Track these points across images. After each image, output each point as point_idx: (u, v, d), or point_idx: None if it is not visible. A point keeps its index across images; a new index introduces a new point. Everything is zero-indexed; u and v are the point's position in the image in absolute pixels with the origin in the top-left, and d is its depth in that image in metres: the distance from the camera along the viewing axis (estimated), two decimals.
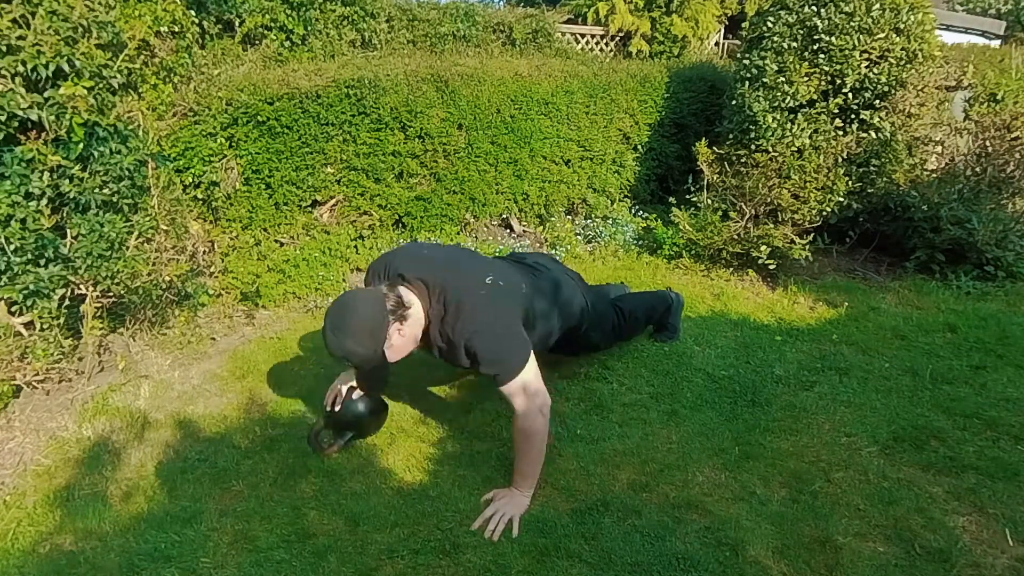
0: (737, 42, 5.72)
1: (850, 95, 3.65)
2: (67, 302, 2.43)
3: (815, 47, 3.64)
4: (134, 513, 1.94)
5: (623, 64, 4.88)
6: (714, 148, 3.92)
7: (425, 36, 5.35)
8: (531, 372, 1.89)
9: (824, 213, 3.56)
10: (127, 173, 2.46)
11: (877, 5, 3.55)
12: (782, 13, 3.76)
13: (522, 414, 1.88)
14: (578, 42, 6.19)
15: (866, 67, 3.60)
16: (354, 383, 2.23)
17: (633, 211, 4.59)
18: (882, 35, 3.55)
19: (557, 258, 2.58)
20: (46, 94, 2.19)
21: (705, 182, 3.91)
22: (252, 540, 1.82)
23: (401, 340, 1.90)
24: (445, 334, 1.92)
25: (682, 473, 2.05)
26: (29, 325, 2.39)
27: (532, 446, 1.91)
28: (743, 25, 4.31)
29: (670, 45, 6.10)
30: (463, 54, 5.01)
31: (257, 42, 4.37)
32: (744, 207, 3.63)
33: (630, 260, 4.01)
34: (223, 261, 3.39)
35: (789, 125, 3.66)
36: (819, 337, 2.94)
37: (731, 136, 3.94)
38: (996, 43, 8.97)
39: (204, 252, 3.30)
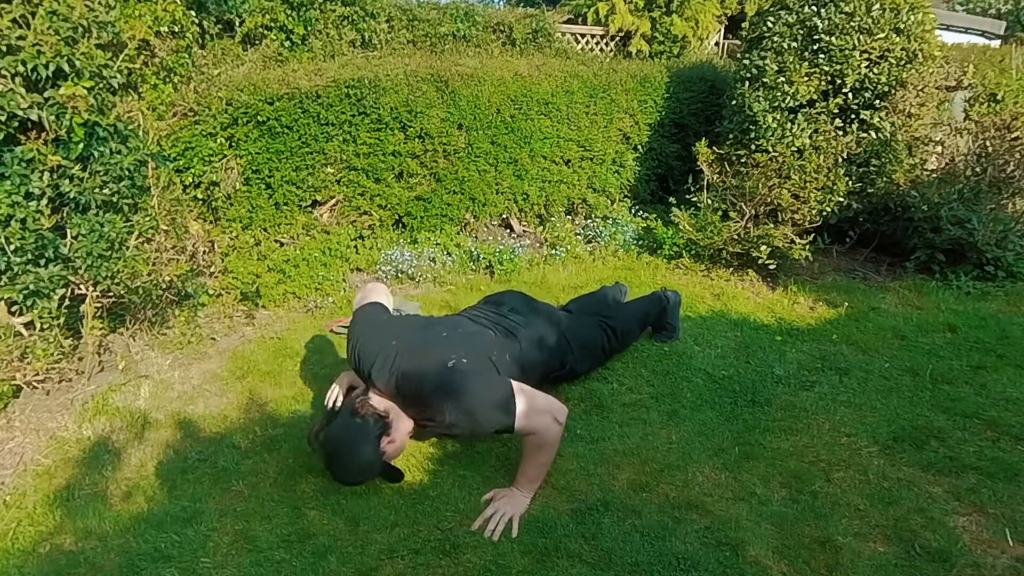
0: (737, 42, 5.72)
1: (850, 95, 3.65)
2: (67, 302, 2.43)
3: (815, 47, 3.64)
4: (134, 513, 1.94)
5: (623, 64, 4.88)
6: (714, 148, 3.92)
7: (425, 36, 5.35)
8: (525, 400, 1.89)
9: (824, 213, 3.56)
10: (127, 173, 2.46)
11: (877, 5, 3.55)
12: (782, 13, 3.76)
13: (541, 431, 1.91)
14: (578, 42, 6.19)
15: (866, 67, 3.60)
16: (354, 383, 2.24)
17: (633, 211, 4.59)
18: (882, 35, 3.55)
19: (533, 301, 2.56)
20: (46, 94, 2.19)
21: (705, 182, 3.91)
22: (252, 540, 1.82)
23: (394, 446, 2.01)
24: (437, 426, 1.97)
25: (682, 473, 2.05)
26: (29, 325, 2.39)
27: (545, 453, 1.94)
28: (743, 25, 4.30)
29: (670, 45, 6.11)
30: (463, 54, 5.01)
31: (257, 42, 4.37)
32: (744, 207, 3.63)
33: (630, 260, 4.01)
34: (223, 261, 3.39)
35: (789, 125, 3.66)
36: (819, 337, 2.94)
37: (731, 136, 3.93)
38: (996, 43, 8.97)
39: (204, 252, 3.30)
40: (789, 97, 3.67)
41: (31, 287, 2.24)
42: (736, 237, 3.60)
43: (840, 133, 3.66)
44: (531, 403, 1.90)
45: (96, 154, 2.34)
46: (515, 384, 1.92)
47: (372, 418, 1.96)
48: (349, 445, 1.94)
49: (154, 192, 2.74)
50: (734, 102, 3.93)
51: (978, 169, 3.63)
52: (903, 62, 3.61)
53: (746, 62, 3.87)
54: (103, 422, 2.37)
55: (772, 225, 3.52)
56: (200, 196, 3.41)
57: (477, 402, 1.87)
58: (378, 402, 2.00)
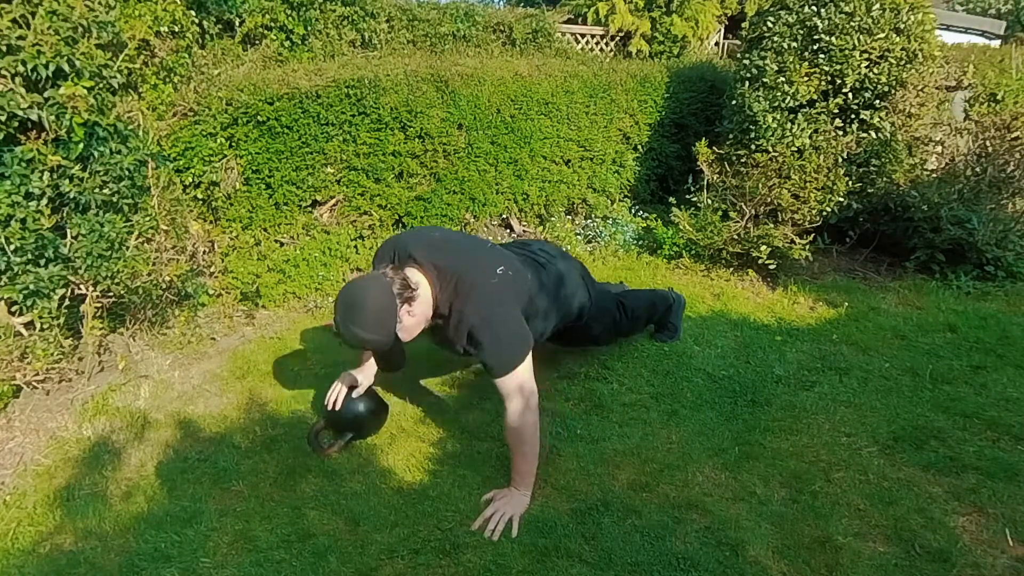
0: (737, 42, 5.72)
1: (850, 95, 3.65)
2: (67, 302, 2.43)
3: (815, 47, 3.64)
4: (134, 513, 1.94)
5: (623, 64, 4.88)
6: (714, 148, 3.92)
7: (425, 36, 5.35)
8: (527, 369, 1.89)
9: (824, 213, 3.56)
10: (127, 173, 2.46)
11: (877, 5, 3.55)
12: (782, 13, 3.76)
13: (513, 411, 1.88)
14: (578, 42, 6.19)
15: (866, 67, 3.60)
16: (354, 384, 2.23)
17: (633, 211, 4.59)
18: (882, 35, 3.55)
19: (560, 248, 2.55)
20: (46, 94, 2.18)
21: (705, 182, 3.91)
22: (252, 540, 1.82)
23: (412, 320, 1.89)
24: (452, 317, 1.91)
25: (682, 473, 2.05)
26: (29, 325, 2.39)
27: (525, 443, 1.91)
28: (743, 25, 4.31)
29: (670, 45, 6.11)
30: (463, 54, 5.01)
31: (257, 42, 4.37)
32: (744, 207, 3.63)
33: (630, 260, 4.01)
34: (223, 261, 3.39)
35: (789, 125, 3.66)
36: (819, 337, 2.94)
37: (731, 136, 3.93)
38: (996, 43, 8.97)
39: (204, 252, 3.30)
40: (789, 97, 3.67)
41: (31, 287, 2.24)
42: (736, 237, 3.60)
43: (840, 133, 3.66)
44: (526, 374, 1.88)
45: (96, 154, 2.34)
46: (530, 350, 1.90)
47: (400, 282, 1.85)
48: (371, 295, 1.82)
49: (154, 192, 2.74)
50: (734, 102, 3.93)
51: (978, 169, 3.63)
52: (903, 62, 3.61)
53: (746, 62, 3.87)
54: (103, 422, 2.37)
55: (772, 225, 3.52)
56: (200, 196, 3.41)
57: (505, 332, 1.85)
58: (411, 273, 1.91)
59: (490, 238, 2.41)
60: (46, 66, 2.15)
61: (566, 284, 2.29)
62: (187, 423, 2.38)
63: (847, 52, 3.56)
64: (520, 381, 1.87)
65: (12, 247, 2.17)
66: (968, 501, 1.89)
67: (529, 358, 1.90)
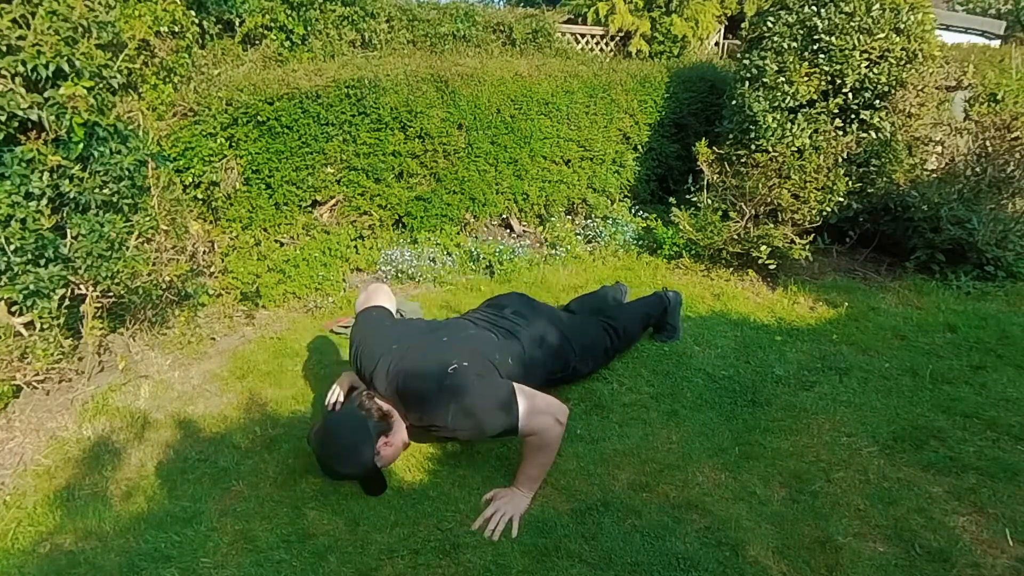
0: (737, 42, 5.72)
1: (850, 95, 3.65)
2: (67, 302, 2.43)
3: (815, 47, 3.64)
4: (134, 513, 1.94)
5: (623, 64, 4.88)
6: (714, 148, 3.92)
7: (425, 36, 5.36)
8: (526, 401, 1.89)
9: (824, 213, 3.56)
10: (127, 173, 2.46)
11: (877, 5, 3.55)
12: (782, 13, 3.76)
13: (543, 431, 1.90)
14: (578, 42, 6.19)
15: (866, 67, 3.60)
16: (354, 384, 2.24)
17: (633, 211, 4.59)
18: (882, 35, 3.55)
19: (534, 302, 2.56)
20: (46, 94, 2.19)
21: (705, 182, 3.91)
22: (252, 540, 1.82)
23: (390, 451, 1.99)
24: (436, 426, 1.95)
25: (682, 473, 2.05)
26: (29, 325, 2.39)
27: (546, 453, 1.94)
28: (743, 25, 4.31)
29: (670, 45, 6.11)
30: (463, 54, 5.02)
31: (257, 42, 4.37)
32: (744, 207, 3.63)
33: (630, 260, 4.01)
34: (223, 261, 3.39)
35: (789, 125, 3.66)
36: (819, 337, 2.94)
37: (731, 136, 3.93)
38: (996, 43, 8.97)
39: (204, 252, 3.30)
40: (789, 97, 3.67)
41: (31, 287, 2.24)
42: (736, 237, 3.60)
43: (840, 133, 3.66)
44: (533, 404, 1.90)
45: (96, 154, 2.34)
46: (516, 385, 1.92)
47: (377, 414, 1.96)
48: (348, 434, 1.93)
49: (154, 192, 2.74)
50: (734, 102, 3.93)
51: (978, 169, 3.63)
52: (903, 62, 3.61)
53: (746, 62, 3.87)
54: (103, 422, 2.37)
55: (772, 225, 3.52)
56: (200, 196, 3.41)
57: (479, 404, 1.87)
58: (383, 403, 2.00)
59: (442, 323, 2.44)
60: (46, 66, 2.15)
61: (544, 345, 2.31)
62: (187, 423, 2.38)
63: (847, 52, 3.56)
64: (529, 414, 1.88)
65: (12, 247, 2.17)
66: (968, 501, 1.89)
67: (521, 391, 1.91)
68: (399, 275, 3.77)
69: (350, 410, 1.99)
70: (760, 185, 3.55)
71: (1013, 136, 3.55)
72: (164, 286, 2.86)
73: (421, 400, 1.94)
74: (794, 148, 3.64)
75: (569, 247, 4.08)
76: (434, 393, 1.91)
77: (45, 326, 2.39)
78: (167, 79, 3.33)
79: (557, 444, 1.96)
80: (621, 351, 2.73)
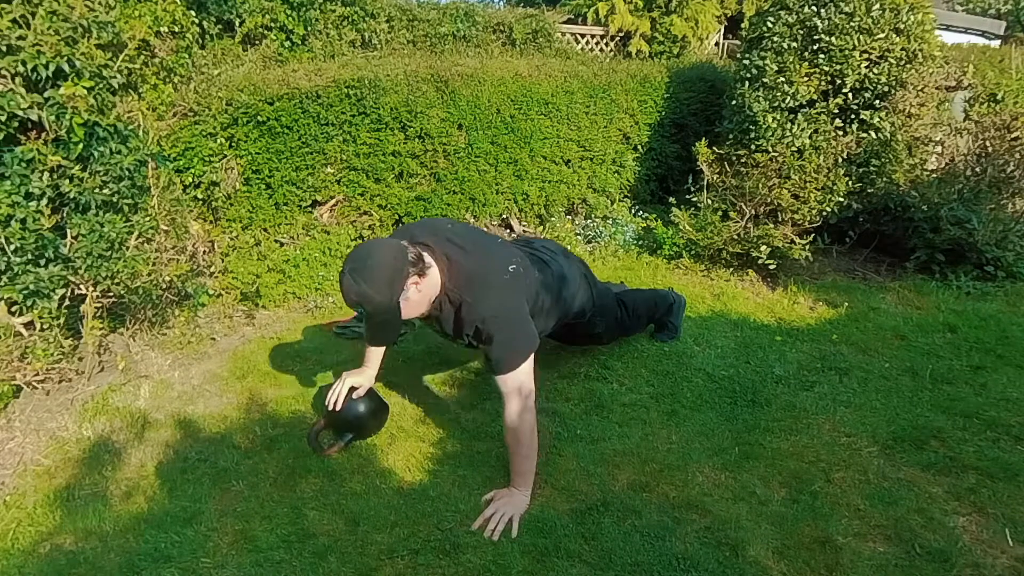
0: (737, 42, 5.72)
1: (850, 95, 3.65)
2: (67, 302, 2.43)
3: (815, 47, 3.64)
4: (134, 513, 1.94)
5: (623, 64, 4.88)
6: (714, 148, 3.92)
7: (425, 36, 5.36)
8: (528, 369, 1.89)
9: (824, 213, 3.56)
10: (127, 173, 2.46)
11: (877, 5, 3.55)
12: (782, 13, 3.76)
13: (512, 411, 1.88)
14: (578, 42, 6.19)
15: (866, 67, 3.60)
16: (355, 384, 2.23)
17: (633, 211, 4.59)
18: (882, 35, 3.55)
19: (561, 246, 2.56)
20: (46, 94, 2.18)
21: (705, 182, 3.91)
22: (252, 540, 1.82)
23: (417, 295, 1.85)
24: (462, 308, 1.88)
25: (682, 473, 2.05)
26: (29, 325, 2.39)
27: (522, 443, 1.91)
28: (743, 25, 4.31)
29: (670, 45, 6.11)
30: (463, 54, 5.02)
31: (257, 42, 4.37)
32: (744, 207, 3.63)
33: (630, 260, 4.01)
34: (223, 261, 3.39)
35: (789, 125, 3.66)
36: (819, 337, 2.94)
37: (731, 136, 3.93)
38: (996, 43, 8.97)
39: (204, 252, 3.30)
40: (789, 97, 3.67)
41: (31, 287, 2.24)
42: (736, 237, 3.60)
43: (840, 133, 3.66)
44: (527, 374, 1.88)
45: (96, 154, 2.34)
46: (533, 356, 1.91)
47: (416, 255, 1.81)
48: (386, 252, 1.78)
49: (154, 192, 2.74)
50: (734, 102, 3.93)
51: (978, 169, 3.63)
52: (903, 62, 3.61)
53: (746, 62, 3.87)
54: (103, 422, 2.37)
55: (772, 225, 3.52)
56: (200, 196, 3.41)
57: (513, 329, 1.84)
58: (426, 256, 1.87)
59: (498, 236, 2.40)
60: (46, 66, 2.15)
61: (568, 282, 2.29)
62: (187, 423, 2.38)
63: (847, 52, 3.56)
64: (520, 381, 1.88)
65: (12, 247, 2.17)
66: (968, 501, 1.89)
67: (531, 359, 1.91)
68: None
69: (390, 239, 1.85)
70: (760, 185, 3.55)
71: (1013, 136, 3.55)
72: (164, 286, 2.86)
73: (472, 271, 1.86)
74: (794, 148, 3.64)
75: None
76: (488, 274, 1.86)
77: (45, 326, 2.39)
78: (167, 79, 3.33)
79: (529, 432, 1.90)
80: (627, 330, 2.74)
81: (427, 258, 1.86)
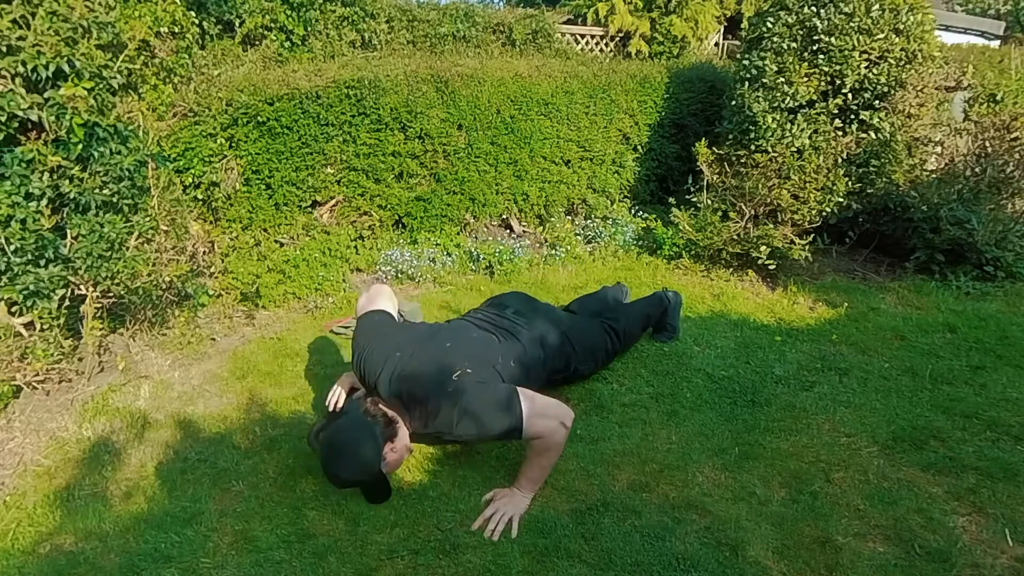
0: (737, 42, 5.73)
1: (850, 95, 3.65)
2: (67, 302, 2.43)
3: (815, 47, 3.65)
4: (134, 513, 1.94)
5: (623, 64, 4.89)
6: (714, 148, 3.93)
7: (425, 37, 5.36)
8: (529, 403, 1.89)
9: (824, 213, 3.56)
10: (127, 173, 2.46)
11: (877, 6, 3.56)
12: (781, 14, 3.76)
13: (547, 434, 1.90)
14: (578, 42, 6.19)
15: (866, 68, 3.60)
16: (355, 385, 2.23)
17: (633, 211, 4.59)
18: (881, 36, 3.56)
19: (535, 302, 2.59)
20: (46, 94, 2.19)
21: (705, 182, 3.91)
22: (252, 540, 1.82)
23: (394, 456, 1.97)
24: (439, 432, 1.95)
25: (682, 473, 2.05)
26: (29, 325, 2.39)
27: (548, 456, 1.94)
28: (742, 25, 4.31)
29: (669, 45, 6.11)
30: (463, 54, 5.02)
31: (257, 43, 4.37)
32: (744, 207, 3.64)
33: (630, 260, 4.01)
34: (223, 261, 3.39)
35: (789, 125, 3.67)
36: (819, 337, 2.94)
37: (731, 136, 3.94)
38: (996, 43, 8.98)
39: (204, 252, 3.30)
40: (789, 97, 3.67)
41: (31, 287, 2.24)
42: (736, 237, 3.60)
43: (840, 133, 3.66)
44: (536, 407, 1.89)
45: (96, 154, 2.34)
46: (519, 389, 1.92)
47: (382, 420, 1.94)
48: (355, 441, 1.90)
49: (154, 192, 2.74)
50: (734, 102, 3.93)
51: (977, 169, 3.63)
52: (903, 62, 3.61)
53: (746, 62, 3.88)
54: (103, 422, 2.37)
55: (772, 225, 3.52)
56: (200, 196, 3.42)
57: (482, 407, 1.87)
58: (387, 409, 2.00)
59: (450, 323, 2.46)
60: (46, 67, 2.15)
61: (545, 345, 2.32)
62: (187, 423, 2.38)
63: (846, 53, 3.56)
64: (531, 417, 1.87)
65: (12, 247, 2.17)
66: (968, 501, 1.89)
67: (524, 394, 1.90)
68: (399, 275, 3.77)
69: (355, 416, 1.97)
70: (760, 185, 3.55)
71: (1012, 136, 3.55)
72: (164, 286, 2.86)
73: (425, 407, 1.94)
74: (794, 148, 3.64)
75: (569, 247, 4.08)
76: (438, 399, 1.91)
77: (45, 326, 2.39)
78: (167, 79, 3.33)
79: (561, 448, 1.95)
80: (621, 352, 2.74)
81: (390, 413, 1.98)
